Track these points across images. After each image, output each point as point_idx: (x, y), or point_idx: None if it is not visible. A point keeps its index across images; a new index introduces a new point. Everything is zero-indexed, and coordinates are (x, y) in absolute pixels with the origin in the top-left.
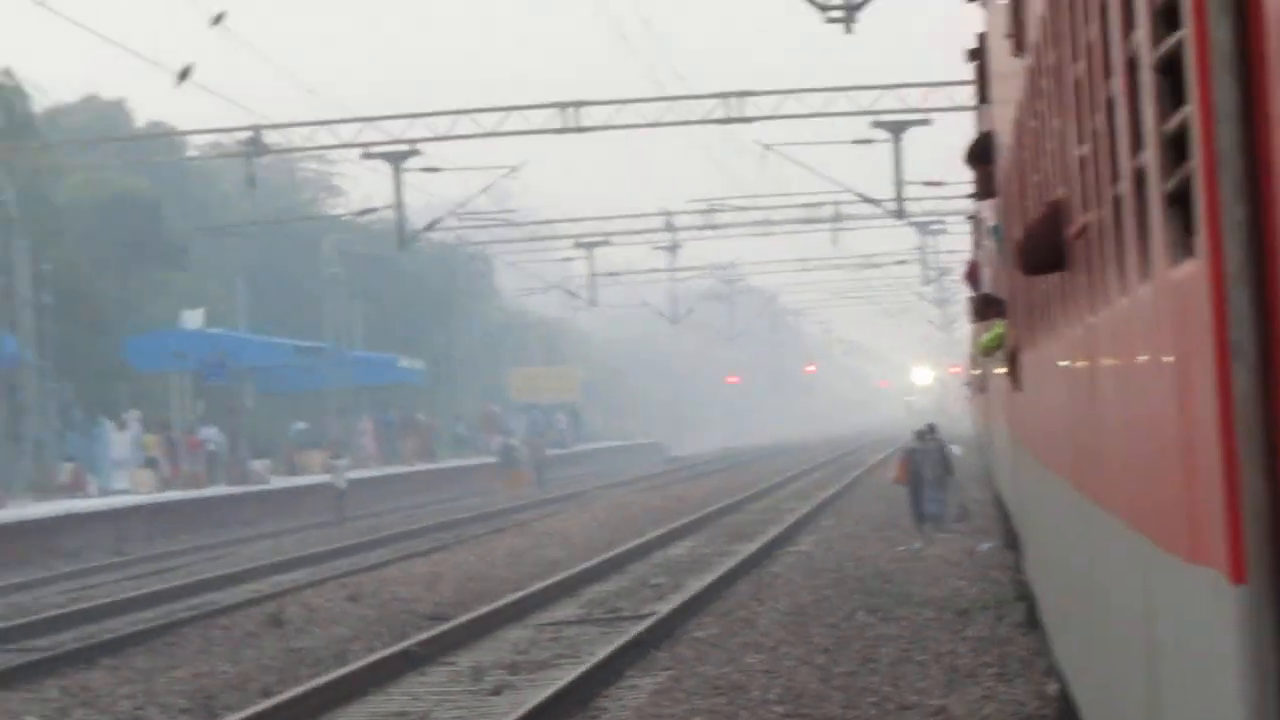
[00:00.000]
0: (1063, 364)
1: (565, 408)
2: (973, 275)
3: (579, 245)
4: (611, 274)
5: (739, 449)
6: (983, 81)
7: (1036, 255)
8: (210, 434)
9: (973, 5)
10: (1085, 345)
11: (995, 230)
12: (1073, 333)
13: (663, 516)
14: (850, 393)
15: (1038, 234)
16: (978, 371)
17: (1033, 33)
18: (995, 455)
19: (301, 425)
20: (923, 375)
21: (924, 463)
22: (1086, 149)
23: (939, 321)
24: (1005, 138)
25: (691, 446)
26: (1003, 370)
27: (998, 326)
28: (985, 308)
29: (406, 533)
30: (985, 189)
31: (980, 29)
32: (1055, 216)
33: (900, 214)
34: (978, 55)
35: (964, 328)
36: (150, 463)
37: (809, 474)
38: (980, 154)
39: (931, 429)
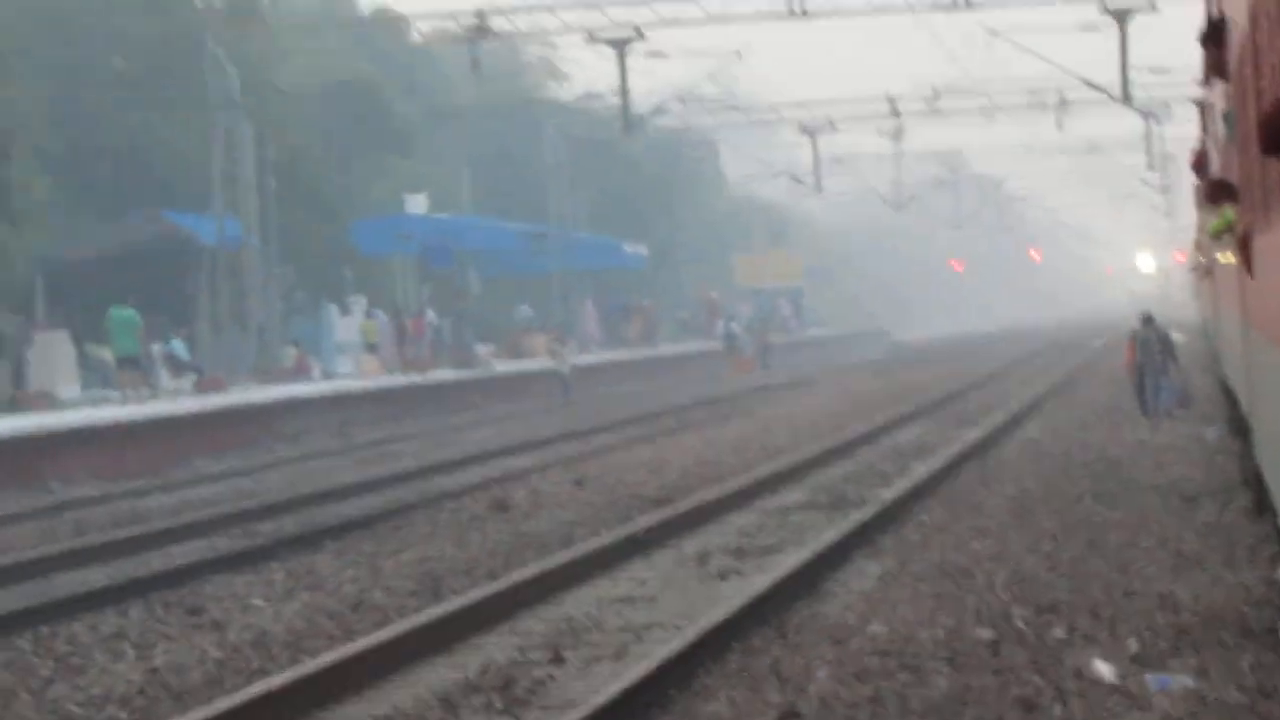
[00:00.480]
0: None
1: (789, 293)
2: (1200, 162)
3: (804, 131)
4: (836, 159)
5: (963, 335)
6: None
7: (1278, 135)
8: (430, 317)
9: None
10: None
11: (1227, 116)
12: None
13: (888, 402)
14: (1074, 278)
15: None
16: (1203, 258)
17: None
18: (1222, 341)
19: (528, 310)
20: (1145, 261)
21: (1146, 349)
22: None
23: (1163, 208)
24: (1240, 21)
25: (916, 332)
26: (1231, 256)
27: (1227, 212)
28: (1215, 193)
29: (631, 418)
30: (1218, 73)
31: None
32: None
33: (1126, 100)
34: None
35: (1188, 215)
36: (371, 347)
37: (1034, 360)
38: (1213, 37)
39: (1149, 318)
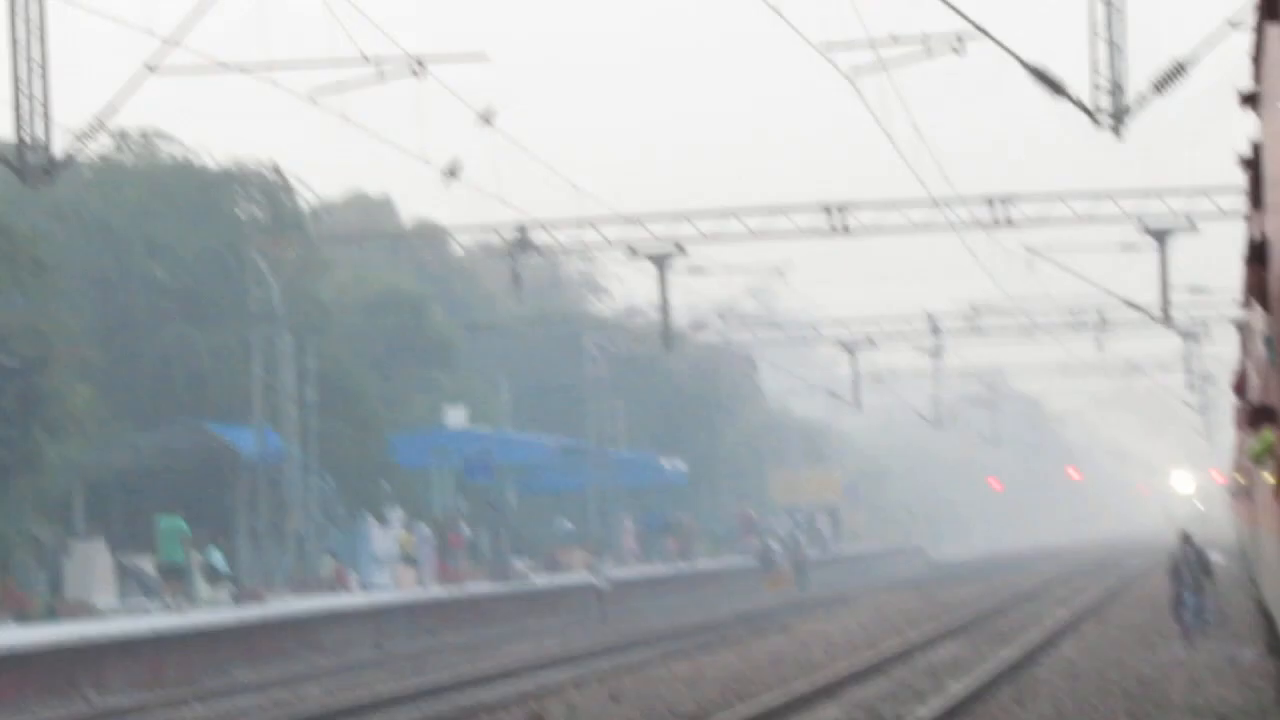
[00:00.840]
0: None
1: (826, 509)
2: (1241, 384)
3: (842, 347)
4: (875, 376)
5: (1000, 554)
6: (1256, 186)
7: None
8: (464, 530)
9: (1246, 109)
10: None
11: (1269, 341)
12: None
13: (924, 620)
14: (1112, 498)
15: None
16: (1242, 479)
17: None
18: (1260, 561)
19: (567, 524)
20: (1183, 481)
21: (1184, 567)
22: None
23: (1201, 429)
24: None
25: (952, 551)
26: (1270, 478)
27: (1267, 434)
28: (1257, 417)
29: (668, 632)
30: (1258, 295)
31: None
32: None
33: (1166, 320)
34: (1252, 163)
35: (1228, 435)
36: (408, 559)
37: (1070, 580)
38: (1255, 258)
39: (1187, 536)
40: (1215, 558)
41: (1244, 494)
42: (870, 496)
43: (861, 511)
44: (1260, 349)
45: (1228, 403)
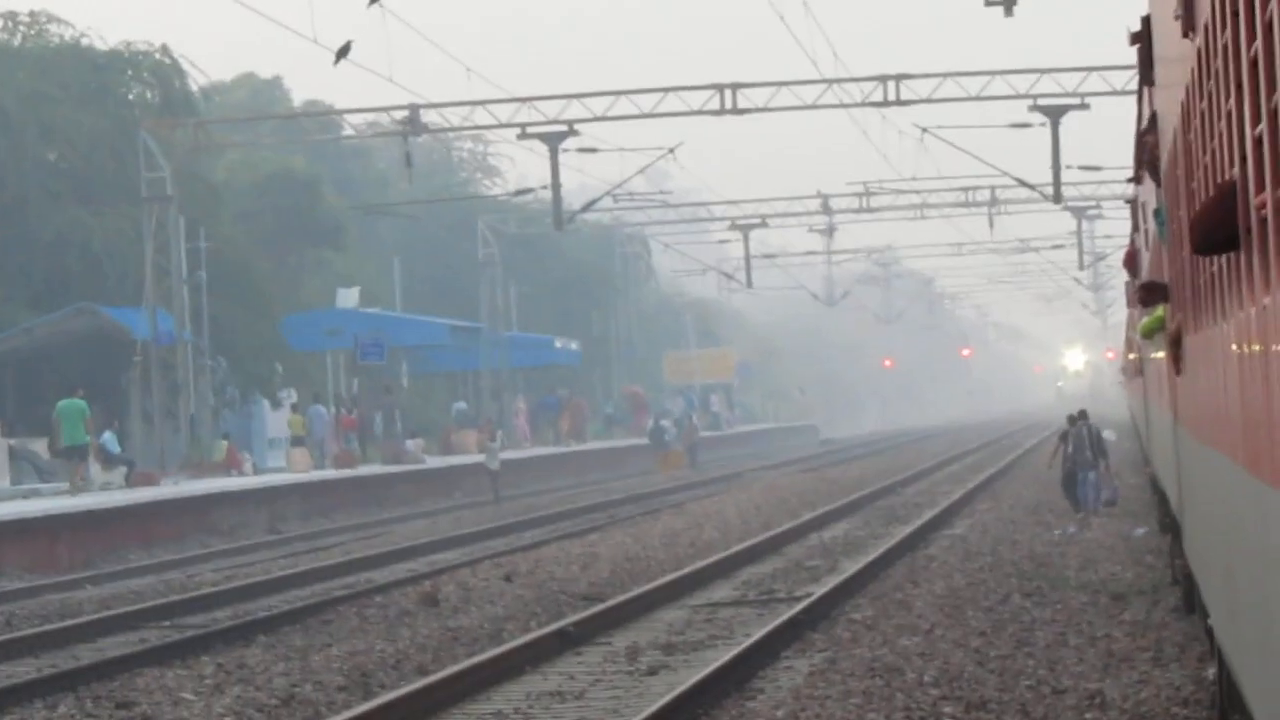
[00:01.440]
0: (1237, 346)
1: (720, 390)
2: (1132, 261)
3: (735, 227)
4: (767, 256)
5: (893, 433)
6: (1147, 61)
7: (1209, 236)
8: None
9: None
10: (1262, 326)
11: (1158, 214)
12: (1247, 313)
13: (818, 499)
14: (1005, 377)
15: (1210, 215)
16: (1134, 356)
17: (1204, 13)
18: (1152, 439)
19: (462, 405)
20: (1075, 359)
21: (1077, 446)
22: (1263, 128)
23: (1094, 306)
24: (1170, 120)
25: (846, 430)
26: (1162, 354)
27: (1158, 311)
28: (1146, 293)
29: (560, 513)
30: (1150, 171)
31: (1144, 11)
32: (1228, 197)
33: (1057, 198)
34: (1141, 38)
35: (1119, 313)
36: (298, 441)
37: (963, 458)
38: (1146, 135)
39: (1082, 414)
40: (1108, 435)
41: (1136, 371)
42: (764, 376)
43: (755, 391)
44: (1150, 224)
45: (1120, 281)
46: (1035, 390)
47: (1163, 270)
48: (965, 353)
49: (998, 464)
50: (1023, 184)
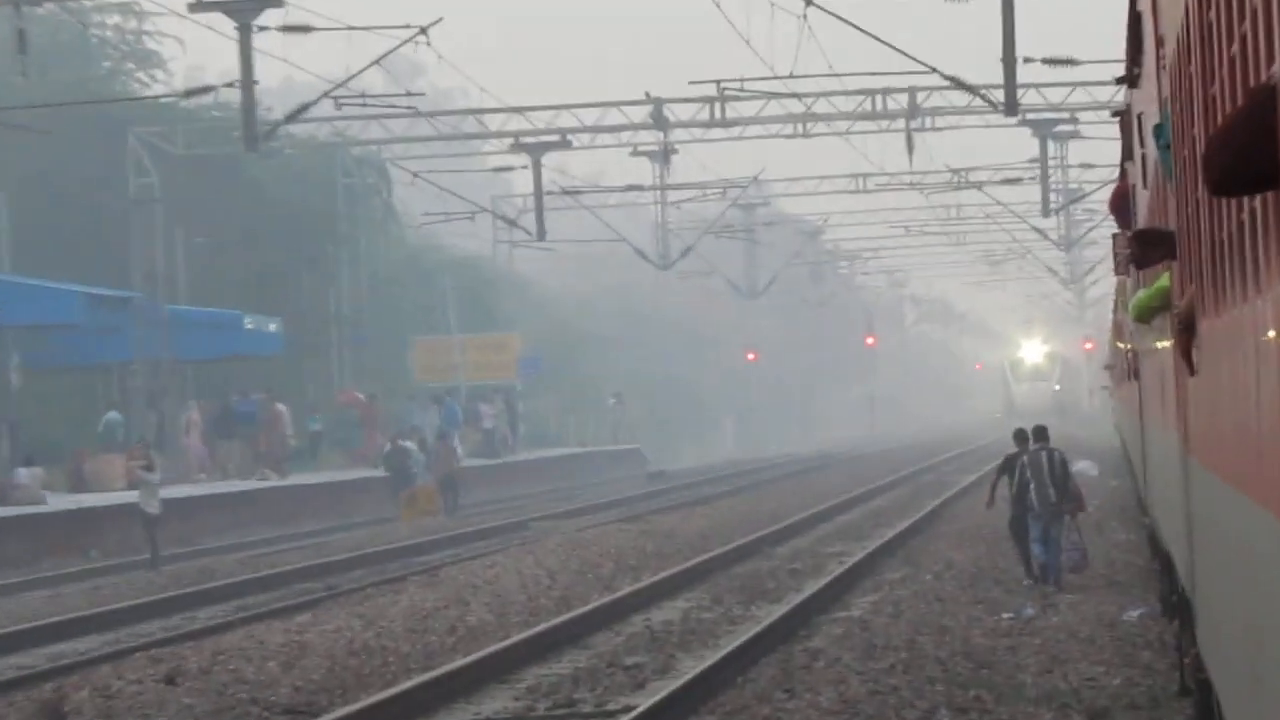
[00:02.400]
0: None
1: (497, 396)
2: (1122, 202)
3: (520, 147)
4: (570, 192)
5: (758, 462)
6: None
7: (1234, 166)
8: None
9: None
10: None
11: (1159, 131)
12: None
13: (643, 563)
14: (930, 378)
15: (1238, 134)
16: (1126, 347)
17: None
18: (1151, 475)
19: (115, 416)
20: (1034, 352)
21: (1033, 480)
22: None
23: (1065, 272)
24: None
25: (689, 457)
26: (1166, 344)
27: (1161, 278)
28: (1142, 247)
29: (252, 581)
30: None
31: None
32: (1264, 106)
33: (1010, 108)
34: None
35: (1104, 282)
36: None
37: (864, 501)
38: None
39: (1039, 433)
40: (1083, 467)
41: (1127, 371)
42: (564, 376)
43: (551, 398)
44: (1150, 148)
45: (1105, 233)
46: (977, 396)
47: (1167, 216)
48: (869, 341)
49: (916, 512)
50: (958, 85)
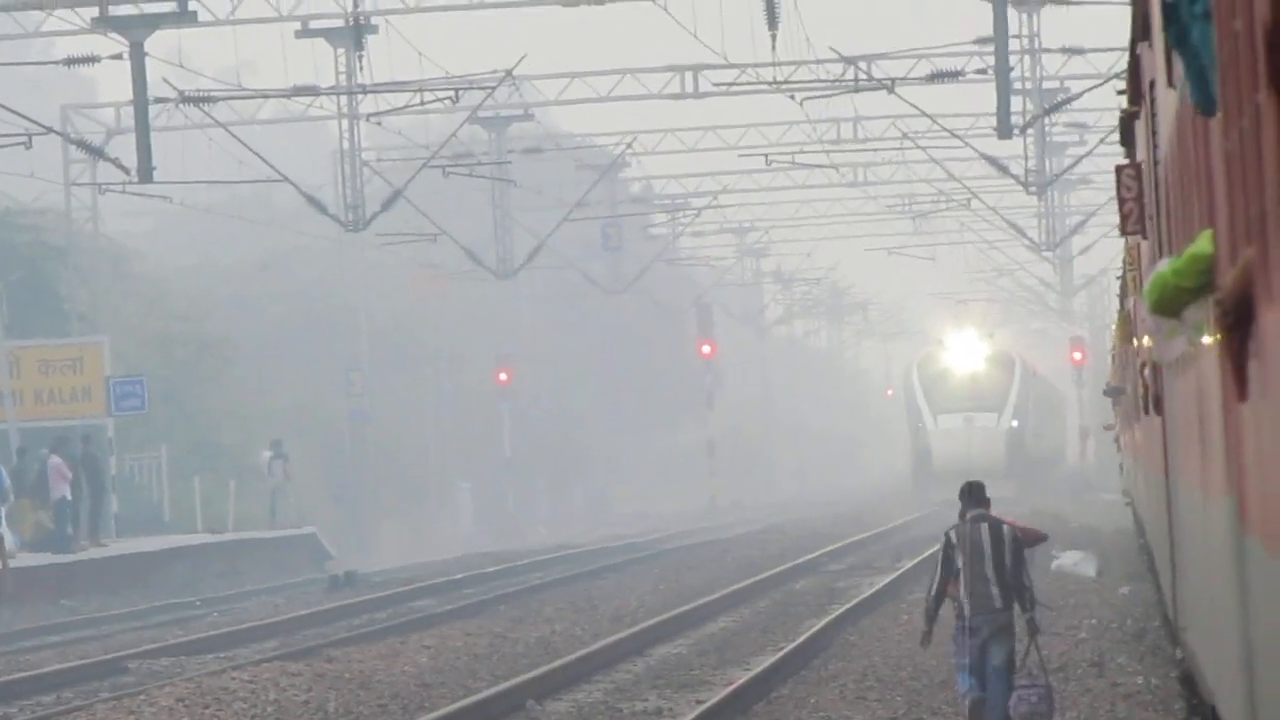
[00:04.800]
0: None
1: (71, 440)
2: (1131, 128)
3: (108, 23)
4: (195, 100)
5: (513, 552)
6: None
7: None
8: None
9: None
10: None
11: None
12: None
13: None
14: (804, 412)
15: None
16: (1142, 357)
17: None
18: (1187, 569)
19: None
20: (967, 353)
21: (964, 569)
22: None
23: (1039, 231)
24: None
25: (399, 546)
26: (1210, 342)
27: (1200, 238)
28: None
29: None
30: None
31: None
32: None
33: None
34: None
35: (1105, 248)
36: None
37: (700, 622)
38: None
39: (976, 492)
40: (1071, 563)
41: (1141, 400)
42: (192, 407)
43: (179, 444)
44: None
45: (1103, 167)
46: (880, 443)
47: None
48: (705, 350)
49: (784, 640)
50: None
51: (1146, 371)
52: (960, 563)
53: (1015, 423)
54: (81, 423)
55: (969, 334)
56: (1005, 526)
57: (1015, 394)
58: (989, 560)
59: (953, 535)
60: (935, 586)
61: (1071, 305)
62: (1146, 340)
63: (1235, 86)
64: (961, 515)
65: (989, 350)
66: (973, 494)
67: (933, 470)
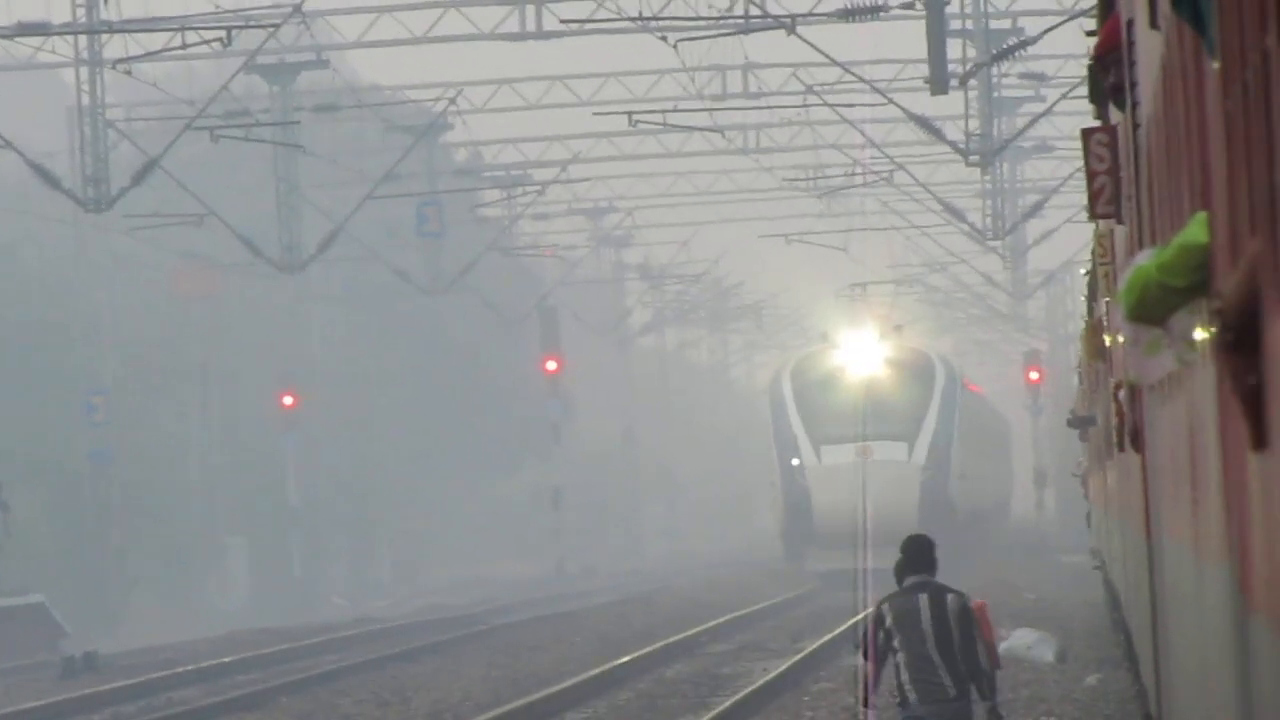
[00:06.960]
0: None
1: None
2: (1102, 80)
3: None
4: None
5: (295, 628)
6: None
7: None
8: None
9: None
10: None
11: None
12: None
13: None
14: (684, 447)
15: None
16: (1115, 378)
17: None
18: (1173, 653)
19: None
20: (863, 355)
21: (902, 650)
22: None
23: (982, 215)
24: None
25: (153, 621)
26: (1201, 354)
27: (1192, 225)
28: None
29: None
30: None
31: None
32: None
33: None
34: None
35: (1068, 237)
36: None
37: None
38: None
39: (919, 554)
40: (1023, 645)
41: (1114, 434)
42: None
43: None
44: None
45: (1064, 129)
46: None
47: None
48: (550, 366)
49: None
50: None
51: (1122, 395)
52: (897, 644)
53: (934, 457)
54: None
55: (866, 330)
56: (950, 595)
57: (935, 415)
58: (931, 641)
59: (885, 610)
60: (865, 681)
61: (1025, 310)
62: (1123, 356)
63: (1238, 28)
64: (899, 581)
65: (896, 351)
66: (912, 555)
67: (811, 528)
